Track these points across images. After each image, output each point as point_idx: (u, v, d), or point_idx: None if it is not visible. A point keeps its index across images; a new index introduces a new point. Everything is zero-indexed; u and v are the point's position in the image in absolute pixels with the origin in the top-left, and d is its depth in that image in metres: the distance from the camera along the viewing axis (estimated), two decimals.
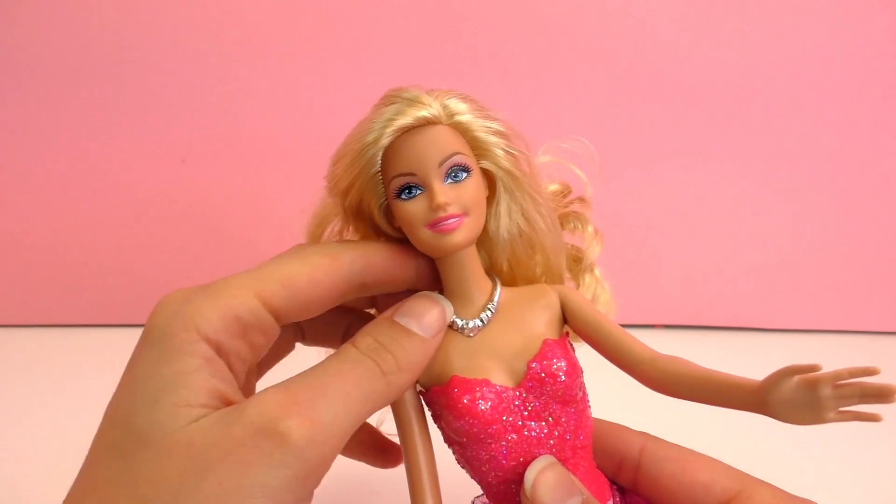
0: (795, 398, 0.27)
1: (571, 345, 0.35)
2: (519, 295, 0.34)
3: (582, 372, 0.33)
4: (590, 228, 0.40)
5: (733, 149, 0.71)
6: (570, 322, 0.34)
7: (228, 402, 0.28)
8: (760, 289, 0.76)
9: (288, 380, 0.29)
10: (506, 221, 0.34)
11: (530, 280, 0.36)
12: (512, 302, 0.34)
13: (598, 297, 0.40)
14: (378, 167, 0.32)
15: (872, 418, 0.25)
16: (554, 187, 0.40)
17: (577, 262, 0.40)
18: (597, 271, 0.40)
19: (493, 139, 0.33)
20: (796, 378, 0.27)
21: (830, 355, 0.72)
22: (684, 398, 0.31)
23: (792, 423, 0.27)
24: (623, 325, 0.34)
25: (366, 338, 0.31)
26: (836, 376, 0.25)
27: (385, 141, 0.31)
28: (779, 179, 0.72)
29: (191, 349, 0.27)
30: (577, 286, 0.40)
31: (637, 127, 0.71)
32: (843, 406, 0.26)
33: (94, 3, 0.68)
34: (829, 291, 0.76)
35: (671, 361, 0.31)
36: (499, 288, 0.34)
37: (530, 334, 0.33)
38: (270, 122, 0.71)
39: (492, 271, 0.35)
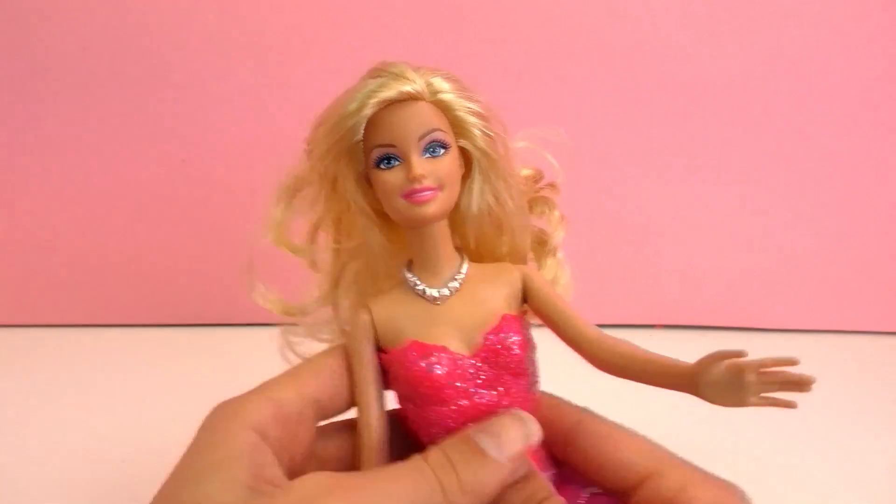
0: (722, 381, 0.28)
1: (528, 323, 0.36)
2: (483, 271, 0.36)
3: (535, 349, 0.35)
4: (556, 214, 0.42)
5: (733, 149, 0.71)
6: (528, 301, 0.36)
7: (274, 483, 0.29)
8: (760, 289, 0.76)
9: (343, 472, 0.30)
10: (477, 200, 0.36)
11: (496, 258, 0.38)
12: (476, 277, 0.35)
13: (559, 279, 0.41)
14: (360, 136, 0.34)
15: (789, 405, 0.27)
16: (527, 172, 0.41)
17: (541, 245, 0.42)
18: (559, 255, 0.42)
19: (472, 119, 0.34)
20: (725, 363, 0.28)
21: (830, 355, 0.72)
22: (625, 377, 0.33)
23: (717, 404, 0.29)
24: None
25: (437, 452, 0.31)
26: (761, 364, 0.27)
27: (367, 111, 0.33)
28: (779, 180, 0.72)
29: (238, 437, 0.29)
30: (540, 268, 0.41)
31: (637, 127, 0.71)
32: (765, 392, 0.27)
33: (94, 4, 0.68)
34: (828, 291, 0.76)
35: (616, 342, 0.33)
36: (466, 262, 0.36)
37: (490, 308, 0.34)
38: (271, 122, 0.71)
39: (460, 247, 0.37)
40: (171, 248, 0.76)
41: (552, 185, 0.42)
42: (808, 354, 0.76)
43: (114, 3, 0.68)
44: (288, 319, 0.42)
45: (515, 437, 0.32)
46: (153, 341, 0.77)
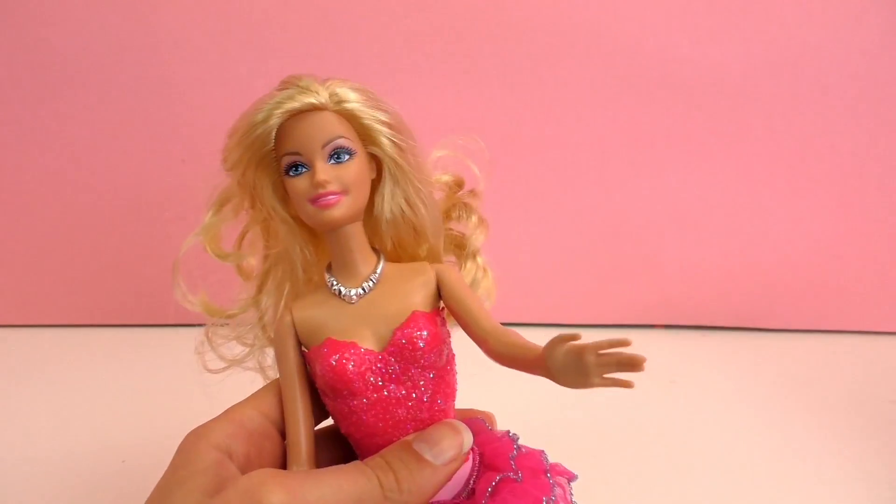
0: (566, 364, 0.29)
1: (444, 319, 0.38)
2: (400, 270, 0.38)
3: (444, 342, 0.37)
4: (473, 218, 0.43)
5: (734, 149, 0.71)
6: (442, 298, 0.38)
7: None
8: (760, 289, 0.76)
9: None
10: (389, 204, 0.38)
11: (414, 259, 0.40)
12: (393, 276, 0.37)
13: (479, 282, 0.43)
14: (271, 145, 0.36)
15: (626, 384, 0.28)
16: (446, 178, 0.43)
17: (461, 249, 0.43)
18: (479, 259, 0.43)
19: (378, 127, 0.36)
20: (566, 346, 0.29)
21: (830, 355, 0.72)
22: (513, 368, 0.34)
23: (567, 386, 0.30)
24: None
25: (376, 458, 0.34)
26: (598, 346, 0.28)
27: (274, 121, 0.35)
28: (779, 179, 0.72)
29: (203, 456, 0.32)
30: (460, 270, 0.43)
31: (637, 127, 0.71)
32: (605, 373, 0.28)
33: (94, 4, 0.68)
34: (829, 291, 0.76)
35: (507, 334, 0.35)
36: (382, 262, 0.38)
37: (403, 306, 0.36)
38: None
39: (377, 248, 0.39)
40: (171, 248, 0.76)
41: (473, 192, 0.43)
42: (808, 354, 0.77)
43: (114, 3, 0.68)
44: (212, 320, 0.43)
45: (450, 444, 0.34)
46: (153, 341, 0.77)
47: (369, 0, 0.68)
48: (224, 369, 0.43)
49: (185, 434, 0.34)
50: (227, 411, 0.36)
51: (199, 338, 0.43)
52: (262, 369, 0.43)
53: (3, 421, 0.62)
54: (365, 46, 0.69)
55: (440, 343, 0.36)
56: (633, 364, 0.27)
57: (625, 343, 0.27)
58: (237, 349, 0.43)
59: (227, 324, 0.43)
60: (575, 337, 0.29)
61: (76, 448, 0.57)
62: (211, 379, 0.42)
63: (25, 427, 0.61)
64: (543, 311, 0.76)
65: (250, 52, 0.70)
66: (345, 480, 0.31)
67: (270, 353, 0.42)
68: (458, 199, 0.43)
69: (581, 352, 0.28)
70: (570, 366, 0.29)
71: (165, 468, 0.33)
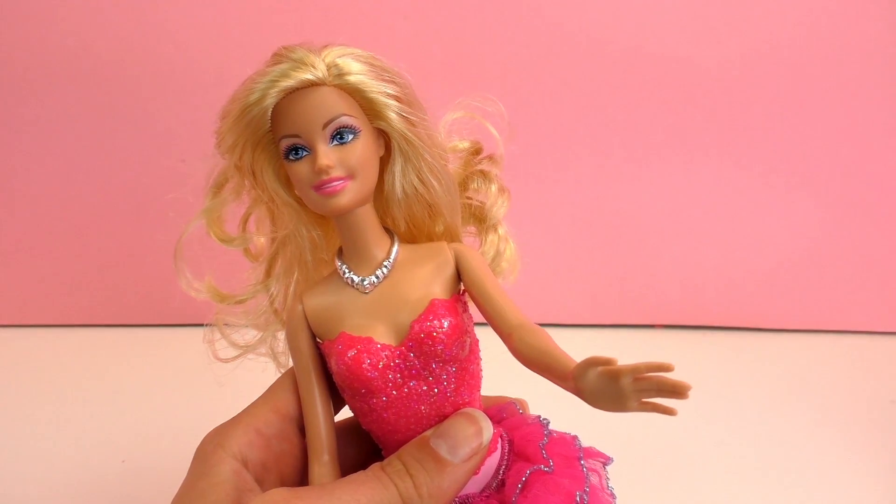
0: (599, 387, 0.27)
1: (465, 304, 0.35)
2: (416, 252, 0.35)
3: (465, 332, 0.34)
4: (493, 187, 0.40)
5: (734, 148, 0.71)
6: (463, 282, 0.35)
7: None
8: (761, 289, 0.76)
9: (304, 486, 0.32)
10: (400, 181, 0.34)
11: (430, 238, 0.37)
12: (408, 259, 0.35)
13: (502, 254, 0.40)
14: (268, 126, 0.33)
15: (668, 412, 0.25)
16: (464, 145, 0.39)
17: (481, 221, 0.40)
18: (501, 230, 0.40)
19: (385, 101, 0.32)
20: (598, 369, 0.27)
21: (830, 355, 0.72)
22: (536, 372, 0.31)
23: (600, 409, 0.27)
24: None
25: (394, 460, 0.32)
26: (635, 370, 0.26)
27: (269, 102, 0.32)
28: (779, 179, 0.72)
29: (221, 467, 0.32)
30: (481, 244, 0.40)
31: (637, 126, 0.71)
32: (644, 398, 0.26)
33: (94, 4, 0.68)
34: (829, 291, 0.76)
35: (530, 333, 0.32)
36: (396, 245, 0.35)
37: (420, 293, 0.33)
38: None
39: (390, 228, 0.36)
40: (171, 249, 0.76)
41: (491, 158, 0.40)
42: (808, 354, 0.77)
43: (114, 3, 0.68)
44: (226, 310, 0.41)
45: (467, 437, 0.32)
46: (154, 341, 0.77)
47: (370, 1, 0.68)
48: (235, 358, 0.40)
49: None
50: (243, 415, 0.35)
51: (208, 326, 0.41)
52: (274, 355, 0.41)
53: (4, 421, 0.62)
54: (364, 47, 0.69)
55: (462, 333, 0.33)
56: (677, 391, 0.25)
57: (666, 368, 0.25)
58: (248, 336, 0.41)
59: (236, 311, 0.40)
60: (610, 361, 0.26)
61: (76, 448, 0.57)
62: (221, 371, 0.40)
63: (25, 427, 0.61)
64: (543, 311, 0.76)
65: (250, 51, 0.69)
66: (362, 493, 0.30)
67: (283, 338, 0.39)
68: (475, 168, 0.40)
69: (616, 375, 0.26)
70: (604, 390, 0.27)
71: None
